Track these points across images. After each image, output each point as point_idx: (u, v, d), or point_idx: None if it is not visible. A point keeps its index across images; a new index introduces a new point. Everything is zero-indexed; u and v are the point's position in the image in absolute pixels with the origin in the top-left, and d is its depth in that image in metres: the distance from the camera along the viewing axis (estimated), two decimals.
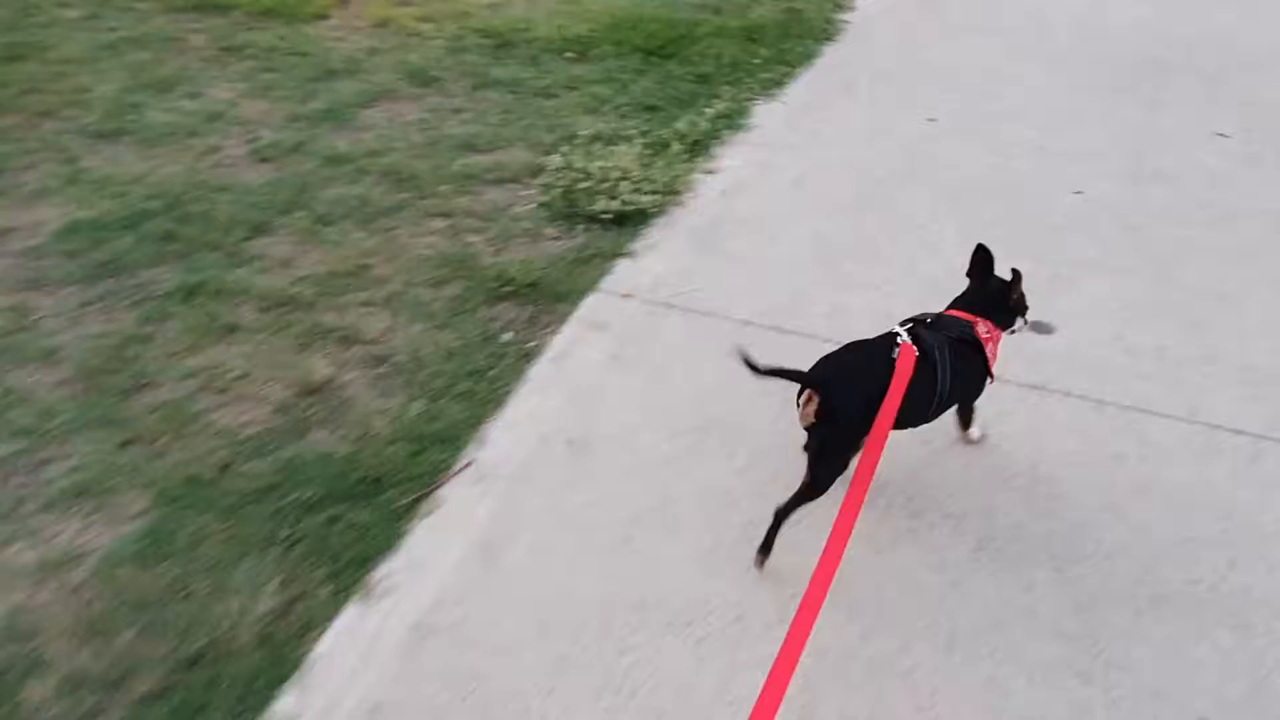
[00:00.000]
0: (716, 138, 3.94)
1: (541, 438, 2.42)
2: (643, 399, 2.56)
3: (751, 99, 4.29)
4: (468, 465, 2.33)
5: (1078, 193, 3.55)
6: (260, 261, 3.15)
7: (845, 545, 1.66)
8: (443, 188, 3.59)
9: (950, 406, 2.12)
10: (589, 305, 2.92)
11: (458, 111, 4.19)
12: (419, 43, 4.89)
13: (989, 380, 2.14)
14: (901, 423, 1.92)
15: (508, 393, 2.58)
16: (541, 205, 3.47)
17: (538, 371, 2.66)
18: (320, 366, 2.68)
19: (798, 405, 1.93)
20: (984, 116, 4.16)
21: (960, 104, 4.28)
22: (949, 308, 2.15)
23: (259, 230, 3.32)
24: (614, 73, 4.53)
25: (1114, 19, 5.27)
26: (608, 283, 3.02)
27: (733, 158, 3.81)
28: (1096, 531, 2.16)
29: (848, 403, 1.87)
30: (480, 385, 2.61)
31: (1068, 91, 4.38)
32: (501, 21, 5.13)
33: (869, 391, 1.87)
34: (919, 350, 1.93)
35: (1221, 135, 3.93)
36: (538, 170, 3.68)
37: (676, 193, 3.51)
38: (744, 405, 2.51)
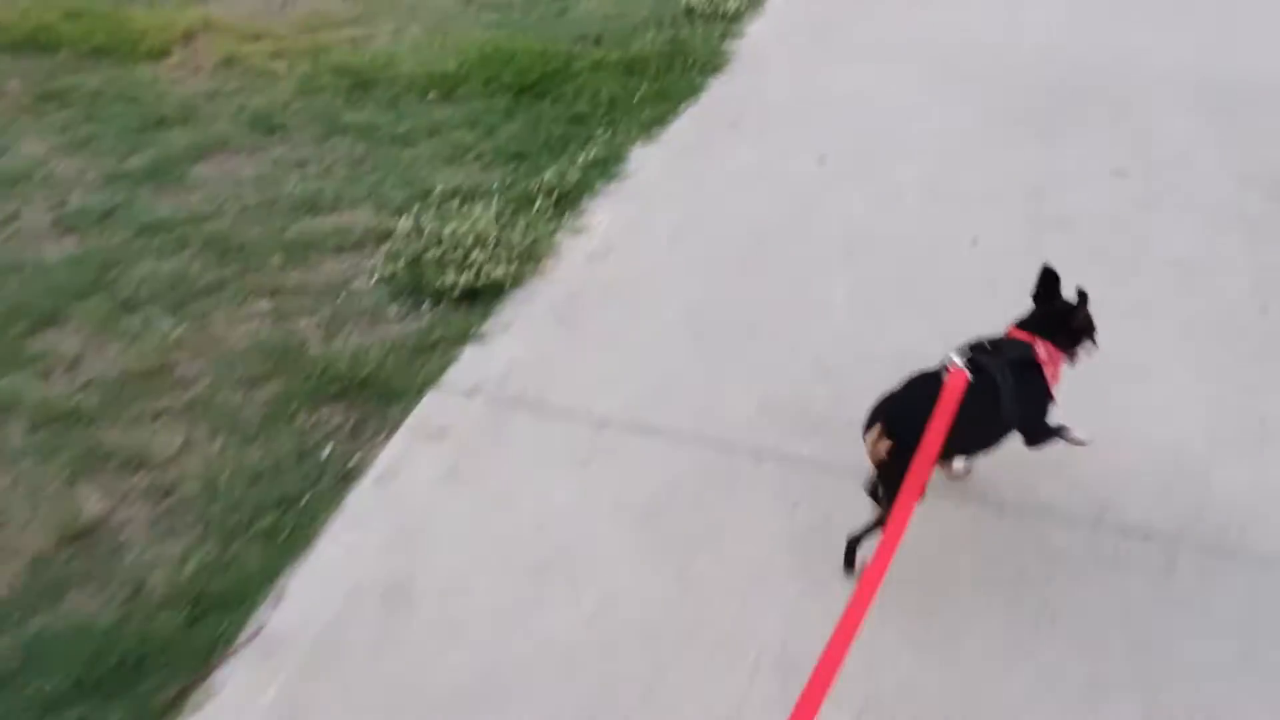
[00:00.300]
0: (588, 189, 3.58)
1: (352, 590, 2.02)
2: (478, 531, 2.18)
3: (629, 141, 3.95)
4: (255, 635, 1.92)
5: (974, 243, 3.29)
6: (40, 363, 2.68)
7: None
8: (274, 259, 3.16)
9: (1011, 431, 2.07)
10: (426, 407, 2.53)
11: (301, 165, 3.76)
12: (267, 84, 4.43)
13: (1051, 403, 2.08)
14: (967, 447, 2.04)
15: (318, 529, 2.18)
16: (385, 279, 3.06)
17: (357, 498, 2.26)
18: (92, 502, 2.24)
19: (865, 443, 1.92)
20: (878, 155, 3.88)
21: (853, 140, 4.00)
22: (1011, 327, 2.14)
23: (46, 321, 2.85)
24: (480, 115, 4.14)
25: (1023, 41, 5.07)
26: (451, 375, 2.64)
27: (604, 212, 3.45)
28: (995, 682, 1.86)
29: (915, 435, 1.82)
30: (286, 519, 2.20)
31: (967, 124, 4.14)
32: (362, 57, 4.70)
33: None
34: (977, 371, 1.92)
35: (1121, 174, 3.73)
36: (384, 235, 3.28)
37: (538, 259, 3.14)
38: (596, 530, 2.15)
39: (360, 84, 4.43)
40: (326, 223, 3.37)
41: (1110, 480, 2.32)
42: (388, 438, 2.43)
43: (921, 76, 4.59)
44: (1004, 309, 2.93)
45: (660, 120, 4.14)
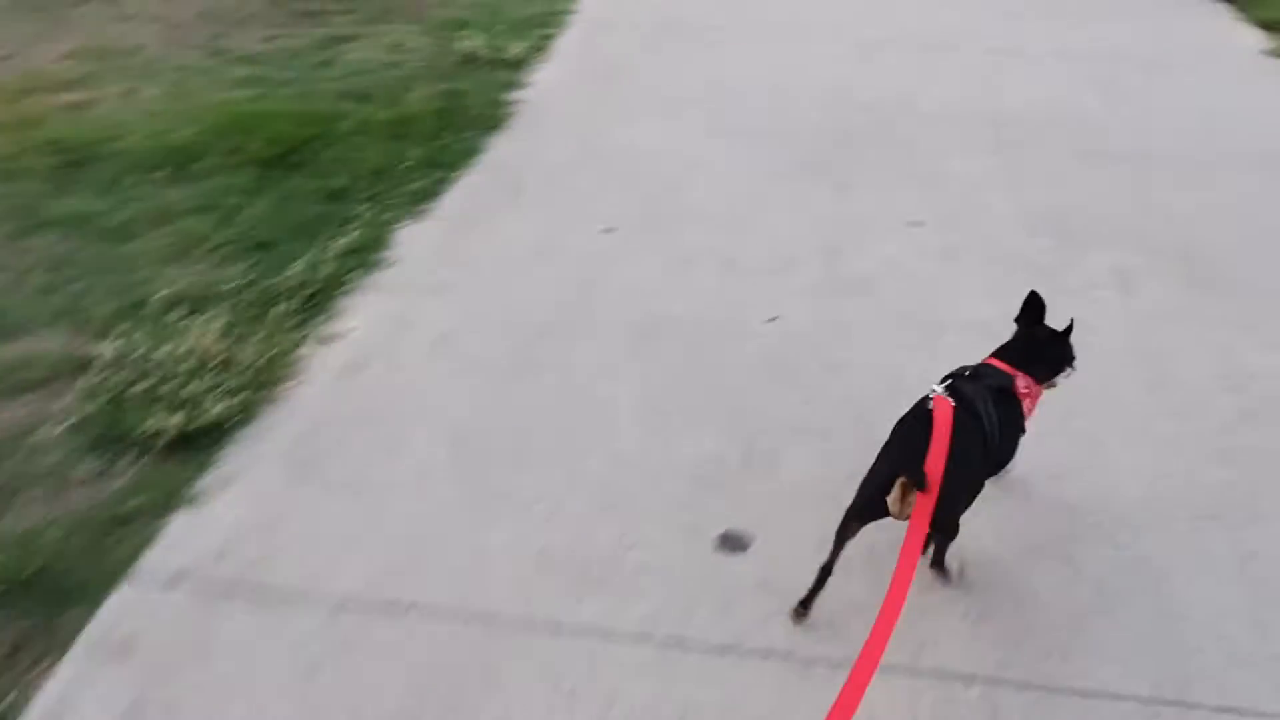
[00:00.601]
0: (343, 284, 3.11)
1: None
2: None
3: (395, 220, 3.50)
4: None
5: (771, 319, 3.05)
6: None
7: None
8: None
9: (996, 464, 2.03)
10: (111, 609, 2.00)
11: None
12: None
13: (1022, 434, 2.05)
14: (963, 484, 1.86)
15: None
16: (76, 426, 2.49)
17: None
18: None
19: (889, 504, 1.78)
20: (667, 219, 3.61)
21: (642, 204, 3.71)
22: (990, 356, 2.10)
23: None
24: (218, 195, 3.59)
25: (810, 82, 4.95)
26: (149, 559, 2.12)
27: (361, 313, 3.00)
28: None
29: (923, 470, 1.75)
30: None
31: (757, 177, 3.94)
32: (80, 128, 4.04)
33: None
34: (959, 401, 1.87)
35: (916, 224, 3.60)
36: (81, 366, 2.69)
37: (274, 383, 2.65)
38: None
39: (74, 161, 3.78)
40: (8, 353, 2.75)
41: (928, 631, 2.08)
42: (55, 663, 1.90)
43: (711, 126, 4.37)
44: (807, 399, 2.72)
45: (432, 192, 3.71)
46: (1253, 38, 5.58)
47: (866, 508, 1.86)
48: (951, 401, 1.87)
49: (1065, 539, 2.24)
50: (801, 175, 3.94)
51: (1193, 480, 2.43)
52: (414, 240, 3.42)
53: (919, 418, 1.87)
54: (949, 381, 1.95)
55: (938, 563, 2.08)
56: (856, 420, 2.59)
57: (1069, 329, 2.10)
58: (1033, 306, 2.10)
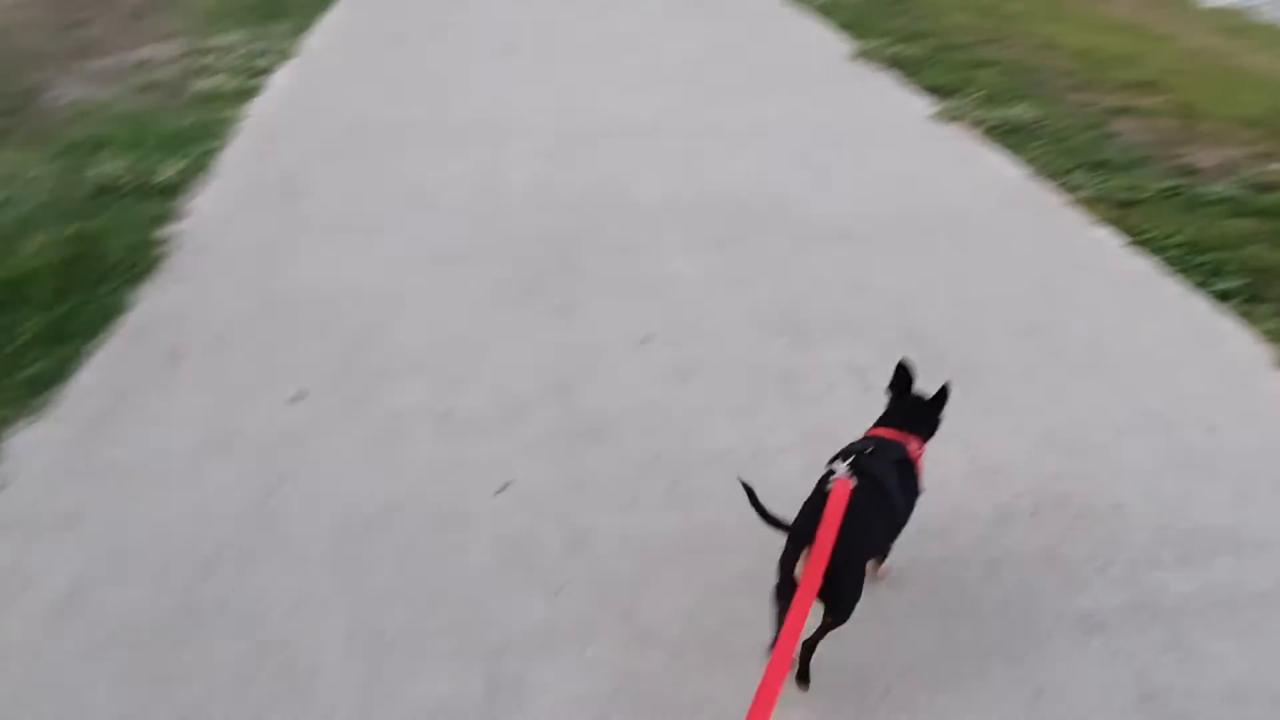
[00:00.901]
0: None
1: None
2: None
3: (2, 423, 2.70)
4: None
5: (500, 489, 2.60)
6: None
7: None
8: None
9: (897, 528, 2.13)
10: None
11: None
12: None
13: (919, 495, 2.14)
14: (878, 546, 2.12)
15: None
16: None
17: None
18: None
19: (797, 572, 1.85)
20: (367, 376, 3.07)
21: (335, 359, 3.15)
22: (876, 426, 2.19)
23: None
24: None
25: (516, 184, 4.61)
26: None
27: None
28: None
29: (843, 546, 1.82)
30: None
31: (469, 309, 3.50)
32: None
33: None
34: (869, 476, 1.96)
35: (647, 339, 3.32)
36: None
37: None
38: None
39: None
40: None
41: None
42: None
43: (411, 250, 3.89)
44: (553, 591, 2.29)
45: (55, 377, 2.93)
46: (921, 103, 5.98)
47: (786, 584, 1.87)
48: (852, 482, 1.92)
49: None
50: (518, 299, 3.56)
51: None
52: (29, 451, 2.64)
53: (821, 496, 1.93)
54: (852, 459, 2.00)
55: (806, 657, 2.00)
56: (614, 611, 2.20)
57: (945, 390, 2.18)
58: (903, 375, 2.21)
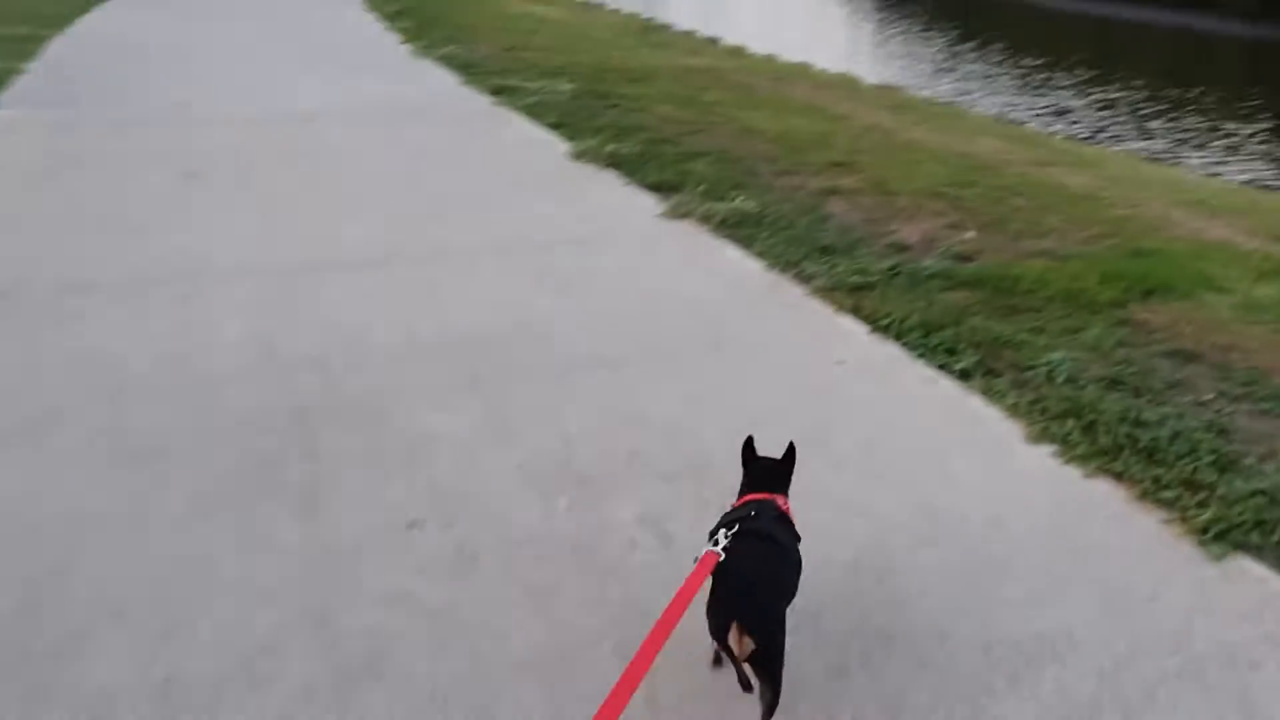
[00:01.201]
0: None
1: None
2: None
3: None
4: None
5: None
6: None
7: None
8: None
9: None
10: None
11: None
12: None
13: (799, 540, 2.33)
14: (785, 594, 2.18)
15: None
16: None
17: None
18: None
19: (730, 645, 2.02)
20: (46, 651, 2.36)
21: (3, 631, 2.40)
22: (744, 494, 2.38)
23: None
24: None
25: (216, 340, 3.96)
26: None
27: None
28: None
29: (765, 617, 2.05)
30: None
31: (178, 523, 2.85)
32: None
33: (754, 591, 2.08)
34: (762, 535, 2.19)
35: (416, 525, 2.87)
36: None
37: None
38: None
39: None
40: None
41: None
42: None
43: (93, 450, 3.16)
44: None
45: None
46: (649, 201, 6.01)
47: (726, 650, 2.06)
48: (720, 555, 2.09)
49: None
50: (243, 499, 2.95)
51: None
52: None
53: (715, 573, 2.08)
54: (736, 528, 2.16)
55: None
56: None
57: (792, 448, 2.44)
58: (749, 447, 2.45)
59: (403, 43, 12.51)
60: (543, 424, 3.44)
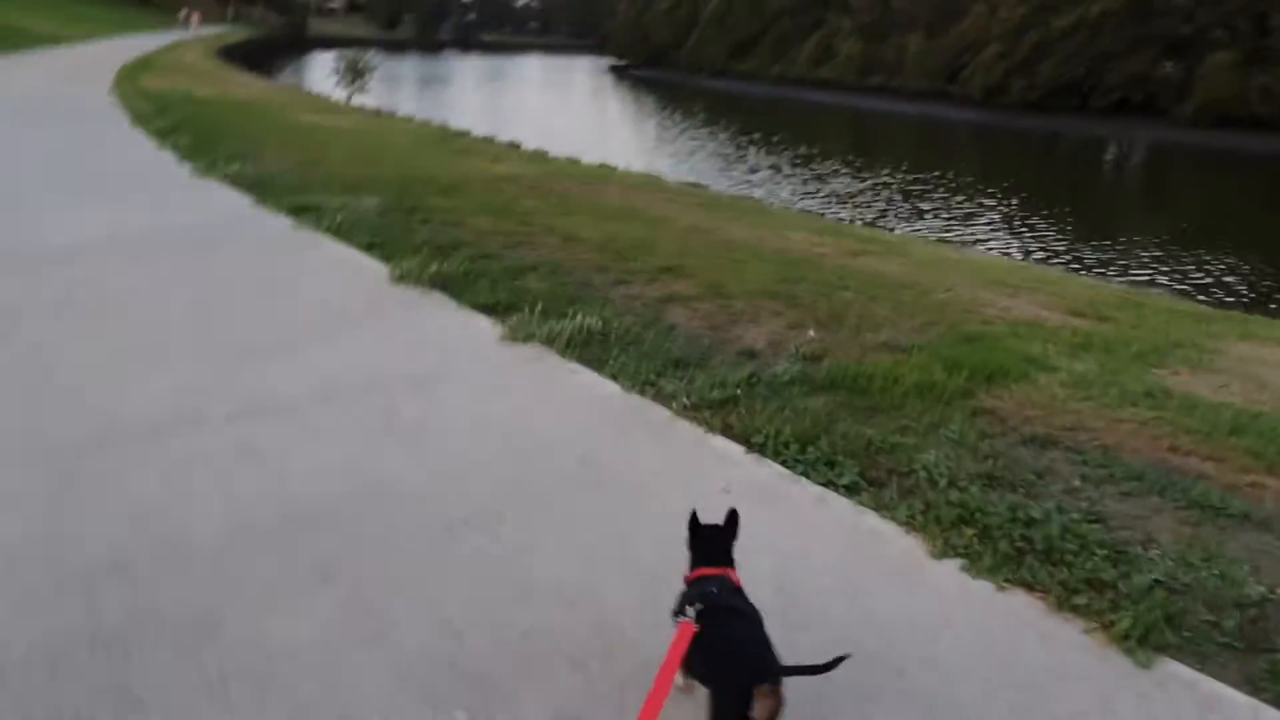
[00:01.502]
0: None
1: None
2: None
3: None
4: None
5: None
6: None
7: None
8: None
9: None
10: None
11: None
12: None
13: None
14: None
15: None
16: None
17: None
18: None
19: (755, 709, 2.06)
20: None
21: None
22: (698, 569, 2.48)
23: None
24: None
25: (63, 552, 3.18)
26: None
27: None
28: None
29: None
30: None
31: None
32: None
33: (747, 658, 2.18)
34: (730, 608, 2.30)
35: None
36: None
37: None
38: None
39: None
40: None
41: None
42: None
43: None
44: None
45: None
46: (485, 324, 5.65)
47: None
48: (695, 625, 2.21)
49: None
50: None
51: None
52: None
53: (715, 626, 2.22)
54: (699, 607, 2.25)
55: None
56: None
57: (734, 515, 2.57)
58: (695, 521, 2.55)
59: (181, 161, 11.53)
60: (417, 612, 2.95)
